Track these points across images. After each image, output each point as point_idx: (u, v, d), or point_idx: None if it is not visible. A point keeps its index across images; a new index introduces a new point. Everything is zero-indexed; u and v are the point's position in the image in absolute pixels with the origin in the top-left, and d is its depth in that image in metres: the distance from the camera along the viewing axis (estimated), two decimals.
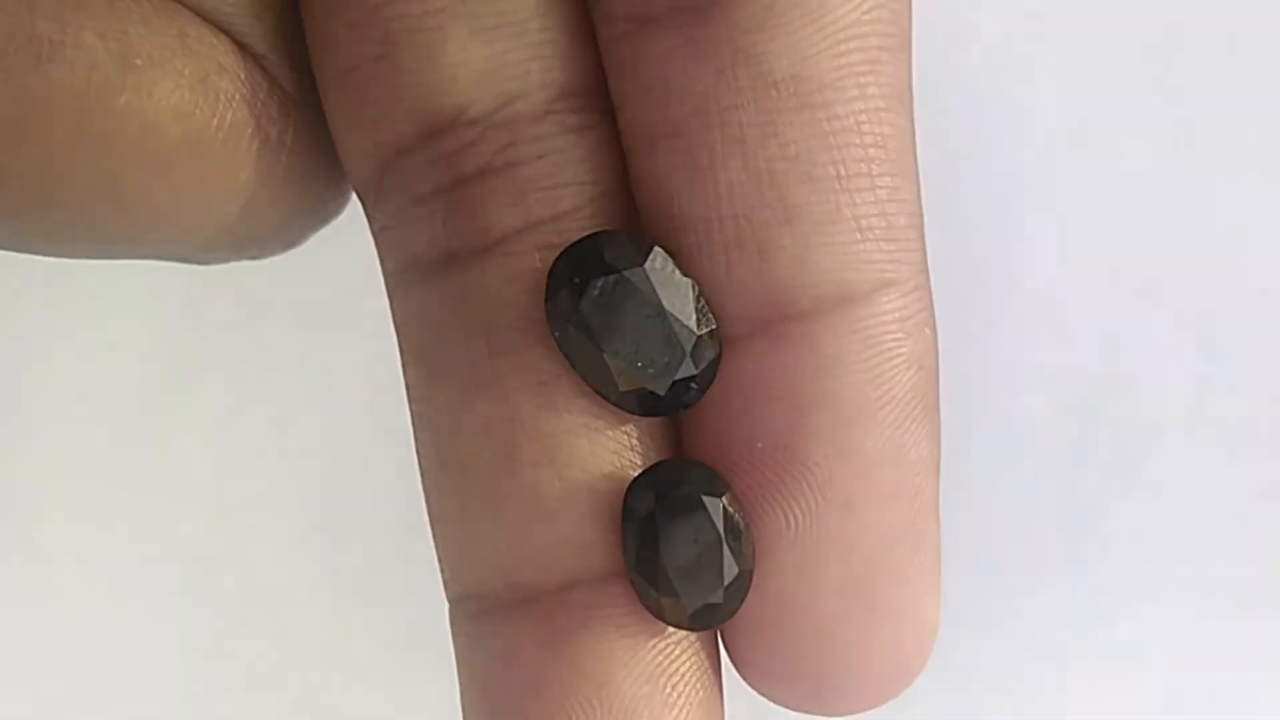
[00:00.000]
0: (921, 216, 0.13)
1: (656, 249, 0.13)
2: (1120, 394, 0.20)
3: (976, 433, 0.19)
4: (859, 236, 0.13)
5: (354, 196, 0.15)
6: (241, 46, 0.13)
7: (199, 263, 0.15)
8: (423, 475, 0.14)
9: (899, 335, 0.13)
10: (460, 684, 0.14)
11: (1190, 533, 0.20)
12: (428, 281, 0.13)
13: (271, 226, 0.14)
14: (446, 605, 0.14)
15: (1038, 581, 0.20)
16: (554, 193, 0.13)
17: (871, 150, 0.13)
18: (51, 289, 0.22)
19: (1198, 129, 0.20)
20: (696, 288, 0.13)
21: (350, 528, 0.22)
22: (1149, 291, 0.20)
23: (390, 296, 0.14)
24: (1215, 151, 0.20)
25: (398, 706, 0.22)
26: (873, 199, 0.13)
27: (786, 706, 0.14)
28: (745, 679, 0.14)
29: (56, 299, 0.22)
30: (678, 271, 0.13)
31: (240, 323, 0.22)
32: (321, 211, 0.15)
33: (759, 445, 0.13)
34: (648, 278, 0.13)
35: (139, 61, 0.12)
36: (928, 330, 0.13)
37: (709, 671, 0.14)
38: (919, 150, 0.13)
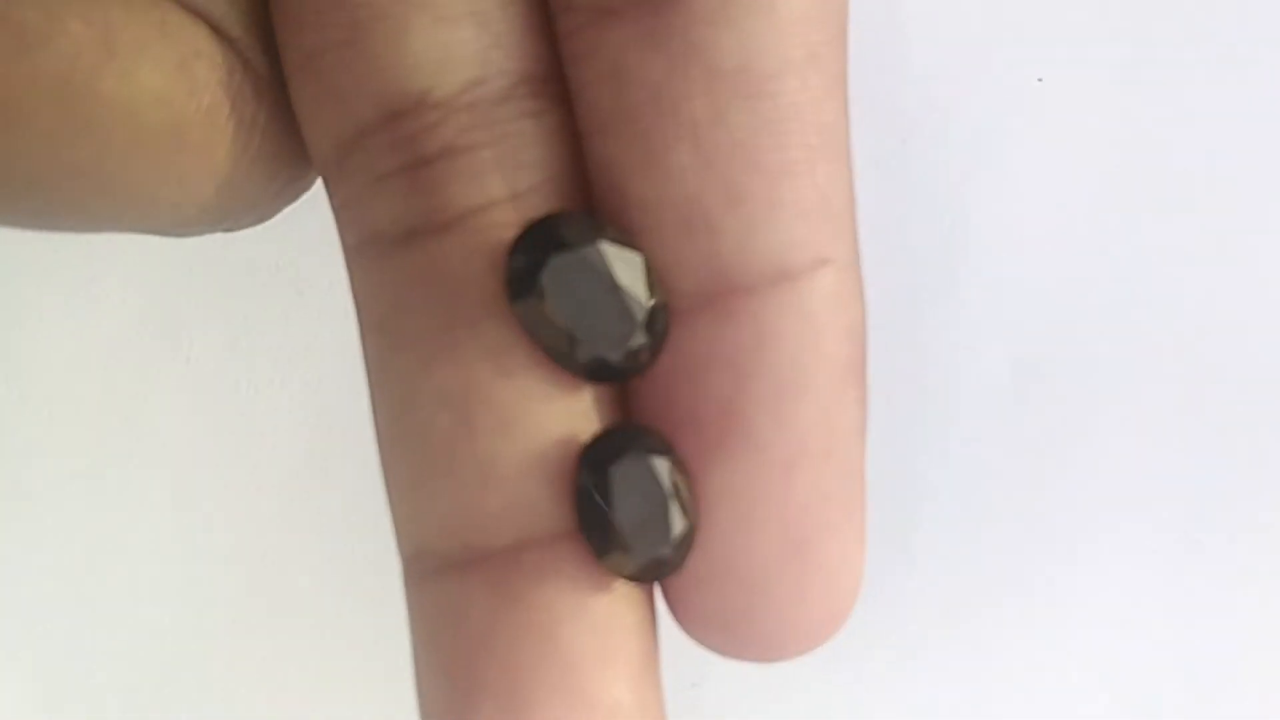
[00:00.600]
0: (855, 200, 0.14)
1: (609, 227, 0.13)
2: (1056, 364, 0.21)
3: (917, 400, 0.20)
4: (799, 218, 0.13)
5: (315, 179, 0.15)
6: (217, 32, 0.14)
7: (176, 235, 0.15)
8: (379, 439, 0.14)
9: (834, 310, 0.14)
10: (412, 639, 0.14)
11: (1123, 490, 0.21)
12: (388, 256, 0.14)
13: (245, 202, 0.15)
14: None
15: (972, 534, 0.21)
16: (512, 173, 0.14)
17: (812, 138, 0.13)
18: (39, 254, 0.22)
19: (1140, 102, 0.21)
20: (647, 263, 0.13)
21: (334, 487, 0.22)
22: (1086, 265, 0.21)
23: (350, 269, 0.15)
24: (1156, 132, 0.21)
25: (376, 657, 0.22)
26: (812, 184, 0.13)
27: (723, 654, 0.14)
28: (685, 629, 0.14)
29: (44, 264, 0.22)
30: (629, 248, 0.13)
31: (220, 289, 0.22)
32: (291, 187, 0.15)
33: (703, 410, 0.14)
34: (601, 253, 0.13)
35: (121, 48, 0.13)
36: (859, 305, 0.14)
37: (649, 623, 0.14)
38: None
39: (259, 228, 0.15)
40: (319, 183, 0.15)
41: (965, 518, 0.21)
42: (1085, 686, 0.21)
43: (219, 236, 0.15)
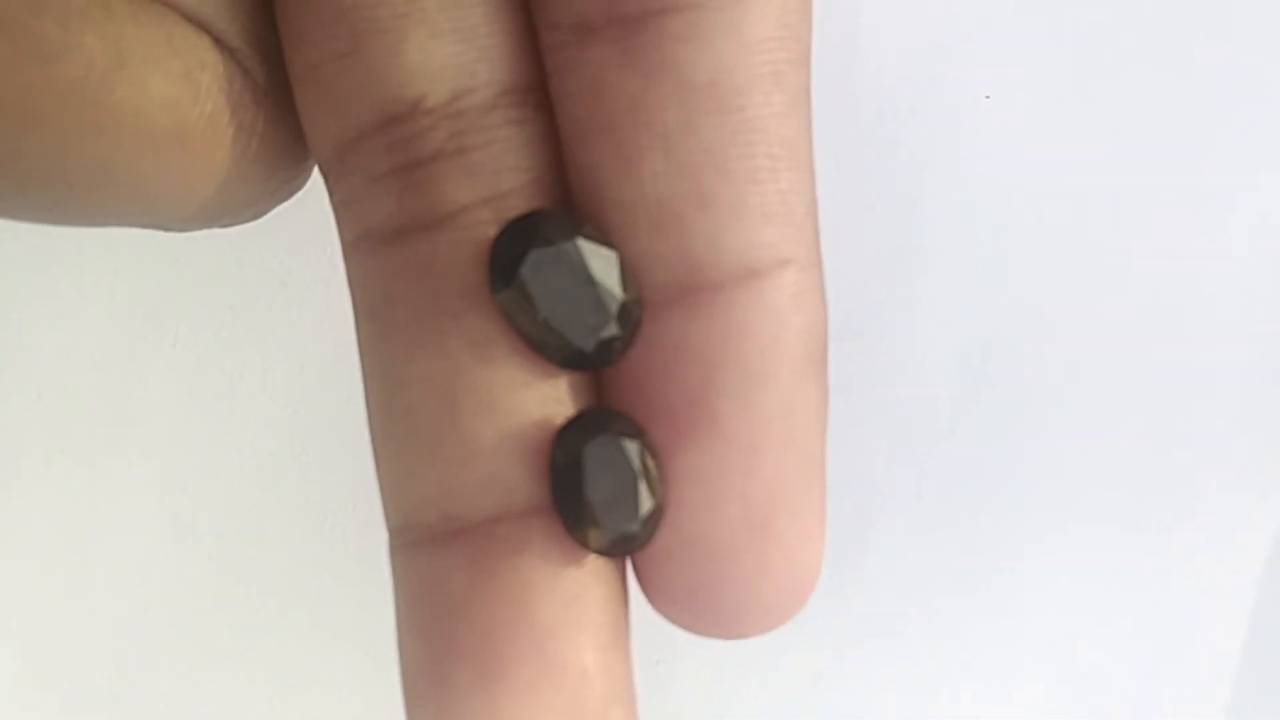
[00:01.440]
0: (816, 204, 0.15)
1: (586, 225, 0.14)
2: (1006, 360, 0.22)
3: (874, 393, 0.21)
4: (763, 221, 0.14)
5: (314, 175, 0.16)
6: (219, 43, 0.15)
7: (176, 230, 0.16)
8: (369, 419, 0.15)
9: (796, 306, 0.14)
10: (395, 606, 0.15)
11: (1071, 481, 0.22)
12: (381, 250, 0.15)
13: (242, 201, 0.15)
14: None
15: (926, 524, 0.22)
16: (497, 175, 0.14)
17: (776, 148, 0.14)
18: (31, 245, 0.22)
19: (1081, 116, 0.22)
20: (621, 259, 0.14)
21: (316, 469, 0.22)
22: (1033, 266, 0.22)
23: (346, 261, 0.15)
24: (1097, 144, 0.22)
25: (358, 637, 0.23)
26: (775, 190, 0.14)
27: (690, 631, 0.15)
28: (654, 606, 0.15)
29: (36, 255, 0.22)
30: (604, 245, 0.14)
31: (206, 279, 0.22)
32: (285, 188, 0.16)
33: (673, 398, 0.14)
34: (579, 249, 0.14)
35: (131, 58, 0.13)
36: (820, 302, 0.15)
37: (619, 598, 0.15)
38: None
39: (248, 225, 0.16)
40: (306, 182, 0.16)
41: (921, 506, 0.22)
42: (1034, 666, 0.22)
43: (207, 230, 0.16)
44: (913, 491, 0.21)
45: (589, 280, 0.14)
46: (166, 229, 0.15)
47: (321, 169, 0.15)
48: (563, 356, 0.14)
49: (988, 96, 0.21)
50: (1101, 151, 0.22)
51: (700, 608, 0.15)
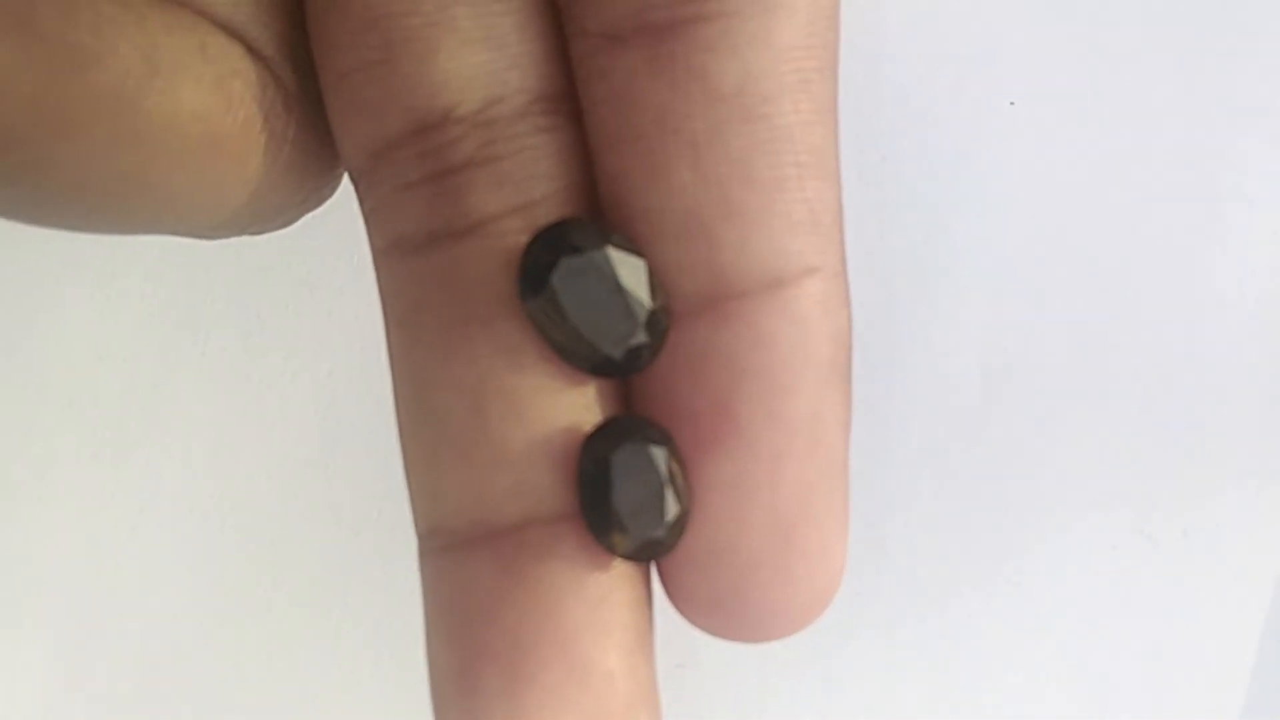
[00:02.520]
0: (842, 213, 0.15)
1: (615, 234, 0.14)
2: (1024, 368, 0.22)
3: (894, 401, 0.21)
4: (789, 230, 0.14)
5: (343, 183, 0.16)
6: (251, 51, 0.15)
7: (208, 238, 0.16)
8: (399, 425, 0.15)
9: (821, 315, 0.15)
10: (424, 609, 0.15)
11: (1083, 486, 0.22)
12: (412, 258, 0.15)
13: (273, 208, 0.16)
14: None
15: (940, 529, 0.22)
16: (527, 183, 0.15)
17: (803, 156, 0.14)
18: (67, 253, 0.22)
19: (1102, 123, 0.22)
20: (649, 268, 0.14)
21: (342, 473, 0.23)
22: (1052, 275, 0.22)
23: (377, 269, 0.15)
24: (1117, 152, 0.22)
25: (382, 637, 0.23)
26: (802, 198, 0.14)
27: (714, 634, 0.15)
28: (679, 610, 0.15)
29: (72, 262, 0.22)
30: (633, 253, 0.14)
31: (236, 286, 0.23)
32: (316, 195, 0.16)
33: (700, 405, 0.14)
34: (608, 258, 0.14)
35: (165, 67, 0.13)
36: (845, 310, 0.15)
37: (644, 602, 0.15)
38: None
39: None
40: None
41: (937, 512, 0.22)
42: (1046, 668, 0.22)
43: (236, 238, 0.16)
44: (931, 497, 0.21)
45: (618, 289, 0.14)
46: (198, 236, 0.16)
47: (352, 177, 0.15)
48: (591, 364, 0.14)
49: (1012, 103, 0.21)
50: (1124, 159, 0.22)
51: (724, 612, 0.15)
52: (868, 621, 0.15)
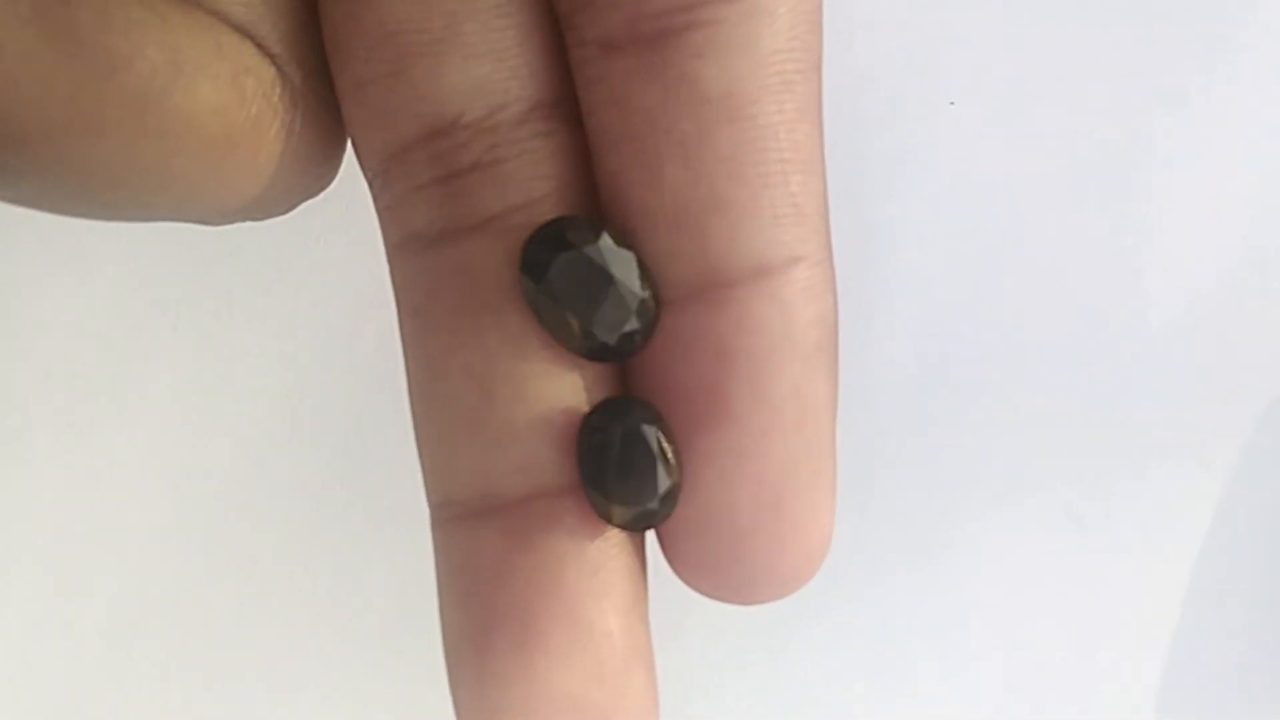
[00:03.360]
0: (827, 206, 0.16)
1: (608, 229, 0.15)
2: (959, 357, 0.23)
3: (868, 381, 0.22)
4: (775, 222, 0.15)
5: (340, 176, 0.17)
6: (261, 49, 0.16)
7: (214, 224, 0.16)
8: (413, 406, 0.16)
9: (805, 300, 0.15)
10: (436, 576, 0.16)
11: (1014, 470, 0.23)
12: (424, 253, 0.16)
13: (278, 197, 0.16)
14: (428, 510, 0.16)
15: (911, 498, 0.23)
16: (529, 184, 0.16)
17: (786, 153, 0.15)
18: (39, 229, 0.22)
19: (1038, 123, 0.22)
20: (639, 260, 0.15)
21: (310, 446, 0.23)
22: (987, 268, 0.23)
23: (390, 263, 0.16)
24: (1052, 150, 0.22)
25: (356, 611, 0.23)
26: (786, 193, 0.15)
27: (710, 597, 0.16)
28: (677, 574, 0.16)
29: (45, 239, 0.23)
30: (624, 247, 0.15)
31: (206, 263, 0.23)
32: (317, 184, 0.17)
33: (691, 386, 0.15)
34: (600, 252, 0.15)
35: (187, 67, 0.14)
36: (830, 297, 0.16)
37: (639, 569, 0.16)
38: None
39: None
40: None
41: (875, 496, 0.23)
42: (975, 645, 0.23)
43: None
44: (868, 481, 0.22)
45: (610, 280, 0.15)
46: (206, 223, 0.16)
47: (367, 177, 0.16)
48: (588, 349, 0.15)
49: (952, 103, 0.22)
50: (1055, 163, 0.22)
51: (719, 577, 0.16)
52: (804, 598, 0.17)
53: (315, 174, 0.17)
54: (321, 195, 0.17)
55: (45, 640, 0.23)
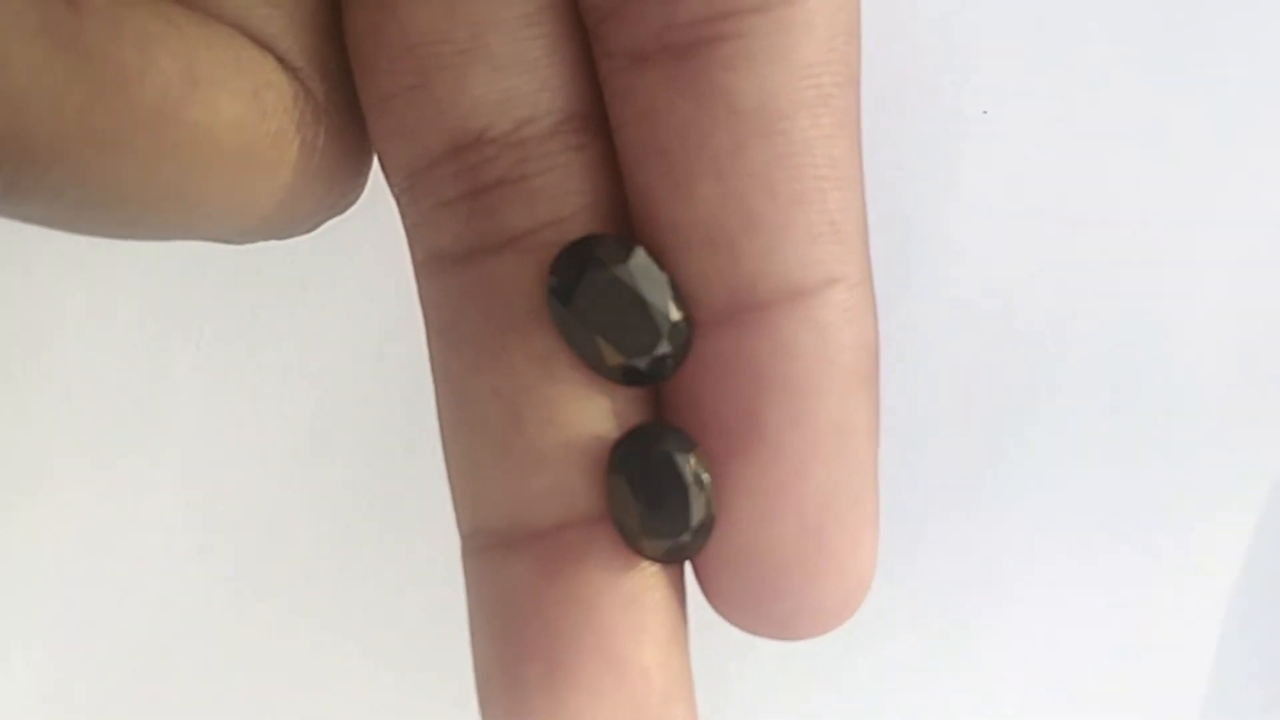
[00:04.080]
0: (866, 224, 0.15)
1: (638, 248, 0.15)
2: (997, 373, 0.22)
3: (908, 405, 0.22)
4: (810, 241, 0.15)
5: (365, 193, 0.17)
6: (283, 63, 0.15)
7: (235, 243, 0.16)
8: (442, 430, 0.16)
9: (844, 323, 0.15)
10: (468, 607, 0.16)
11: (1055, 488, 0.22)
12: (450, 271, 0.16)
13: (302, 215, 0.16)
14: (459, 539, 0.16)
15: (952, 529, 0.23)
16: (558, 200, 0.15)
17: (823, 169, 0.15)
18: (64, 248, 0.23)
19: (1072, 131, 0.22)
20: (671, 280, 0.15)
21: (334, 466, 0.23)
22: (1023, 279, 0.22)
23: (418, 281, 0.16)
24: (1087, 158, 0.22)
25: (380, 630, 0.23)
26: (822, 210, 0.15)
27: (749, 632, 0.16)
28: (715, 609, 0.16)
29: (69, 257, 0.23)
30: (655, 267, 0.15)
31: (230, 282, 0.23)
32: (342, 202, 0.17)
33: (726, 412, 0.15)
34: (631, 272, 0.15)
35: (203, 80, 0.14)
36: (870, 319, 0.15)
37: (677, 601, 0.16)
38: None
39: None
40: None
41: (912, 511, 0.22)
42: (1024, 662, 0.23)
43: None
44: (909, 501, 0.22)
45: (641, 301, 0.15)
46: (227, 242, 0.16)
47: (394, 193, 0.16)
48: (618, 373, 0.15)
49: (985, 111, 0.21)
50: (1089, 172, 0.22)
51: (757, 611, 0.15)
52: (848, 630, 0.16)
53: (340, 191, 0.16)
54: (351, 210, 0.17)
55: (73, 658, 0.23)
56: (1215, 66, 0.22)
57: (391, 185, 0.16)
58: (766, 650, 0.17)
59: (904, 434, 0.22)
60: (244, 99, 0.14)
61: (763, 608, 0.15)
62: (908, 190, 0.22)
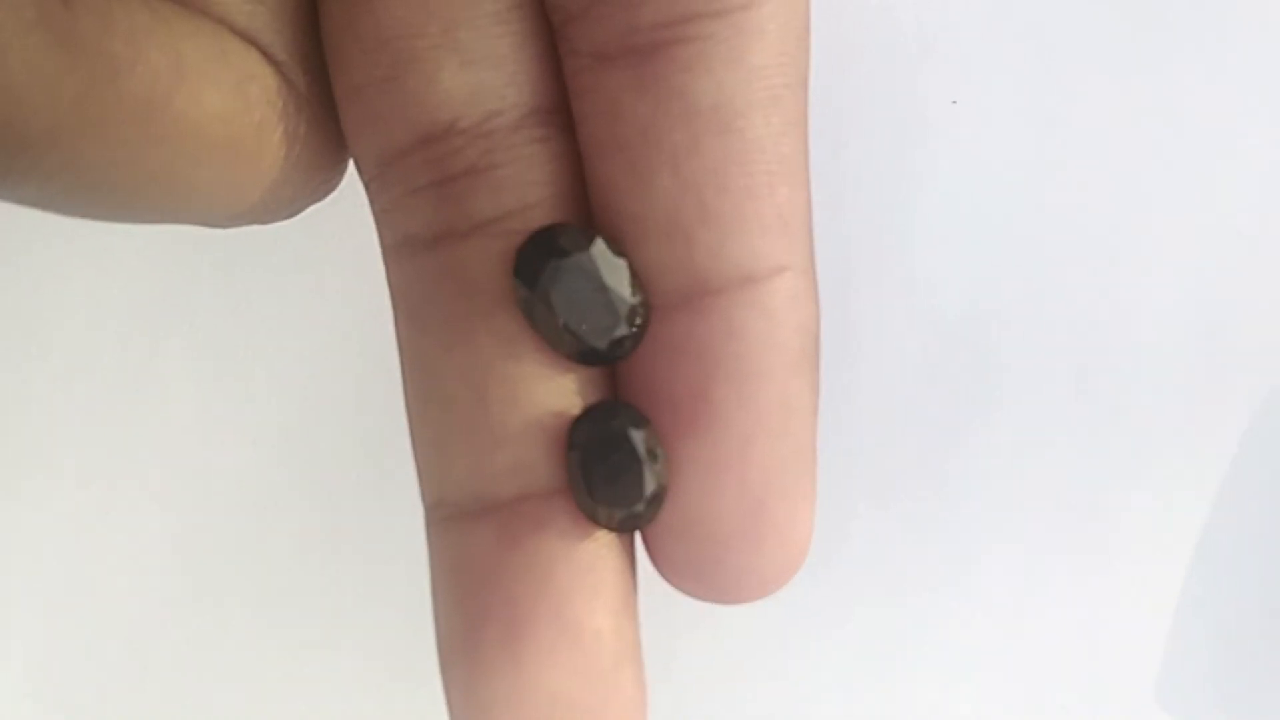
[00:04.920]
0: (810, 216, 0.16)
1: (599, 237, 0.15)
2: (963, 357, 0.23)
3: (838, 387, 0.22)
4: (760, 233, 0.16)
5: (343, 182, 0.17)
6: (266, 56, 0.16)
7: (219, 228, 0.17)
8: (408, 407, 0.17)
9: (790, 309, 0.16)
10: (430, 574, 0.17)
11: (1033, 462, 0.23)
12: (419, 255, 0.16)
13: (284, 201, 0.17)
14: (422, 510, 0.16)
15: (903, 497, 0.23)
16: (523, 189, 0.16)
17: (773, 165, 0.16)
18: (59, 230, 0.22)
19: (1039, 122, 0.23)
20: (629, 267, 0.15)
21: (325, 443, 0.23)
22: (990, 266, 0.23)
23: (386, 265, 0.17)
24: (1053, 148, 0.23)
25: (365, 613, 0.23)
26: (772, 204, 0.16)
27: (694, 597, 0.16)
28: (661, 574, 0.16)
29: (64, 238, 0.23)
30: (616, 254, 0.15)
31: (223, 264, 0.23)
32: (323, 188, 0.17)
33: (678, 391, 0.16)
34: (592, 259, 0.15)
35: (190, 73, 0.14)
36: (813, 305, 0.16)
37: (629, 569, 0.16)
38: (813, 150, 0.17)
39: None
40: None
41: (861, 499, 0.23)
42: (979, 642, 0.23)
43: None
44: (870, 479, 0.23)
45: (601, 286, 0.15)
46: (213, 226, 0.17)
47: (364, 179, 0.17)
48: (579, 354, 0.16)
49: (954, 102, 0.22)
50: (1055, 161, 0.23)
51: (702, 577, 0.16)
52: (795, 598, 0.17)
53: (321, 178, 0.17)
54: (344, 195, 0.17)
55: (62, 641, 0.24)
56: (1182, 56, 0.23)
57: (362, 172, 0.17)
58: (715, 615, 0.17)
59: (868, 417, 0.22)
60: (228, 91, 0.15)
61: (707, 574, 0.16)
62: (876, 177, 0.22)
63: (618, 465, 0.15)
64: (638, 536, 0.17)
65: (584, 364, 0.16)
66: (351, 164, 0.17)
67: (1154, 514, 0.23)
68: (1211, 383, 0.23)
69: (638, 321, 0.16)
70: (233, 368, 0.23)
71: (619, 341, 0.16)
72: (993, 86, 0.23)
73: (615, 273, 0.16)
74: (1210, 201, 0.23)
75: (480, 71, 0.16)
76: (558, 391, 0.16)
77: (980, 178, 0.23)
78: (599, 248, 0.16)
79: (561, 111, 0.16)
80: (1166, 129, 0.23)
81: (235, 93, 0.15)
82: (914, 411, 0.23)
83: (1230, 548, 0.23)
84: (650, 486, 0.16)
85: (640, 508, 0.16)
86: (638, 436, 0.16)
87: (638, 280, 0.16)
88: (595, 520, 0.16)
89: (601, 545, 0.16)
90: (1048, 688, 0.23)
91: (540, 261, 0.15)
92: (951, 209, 0.23)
